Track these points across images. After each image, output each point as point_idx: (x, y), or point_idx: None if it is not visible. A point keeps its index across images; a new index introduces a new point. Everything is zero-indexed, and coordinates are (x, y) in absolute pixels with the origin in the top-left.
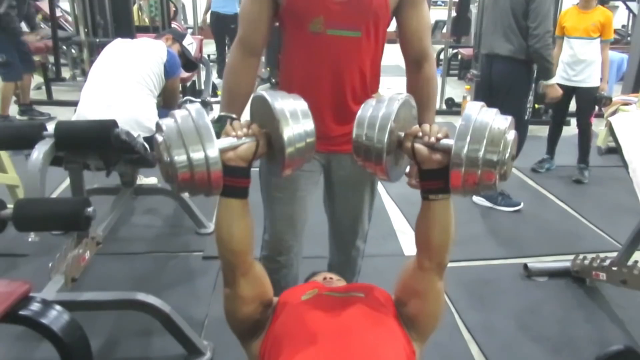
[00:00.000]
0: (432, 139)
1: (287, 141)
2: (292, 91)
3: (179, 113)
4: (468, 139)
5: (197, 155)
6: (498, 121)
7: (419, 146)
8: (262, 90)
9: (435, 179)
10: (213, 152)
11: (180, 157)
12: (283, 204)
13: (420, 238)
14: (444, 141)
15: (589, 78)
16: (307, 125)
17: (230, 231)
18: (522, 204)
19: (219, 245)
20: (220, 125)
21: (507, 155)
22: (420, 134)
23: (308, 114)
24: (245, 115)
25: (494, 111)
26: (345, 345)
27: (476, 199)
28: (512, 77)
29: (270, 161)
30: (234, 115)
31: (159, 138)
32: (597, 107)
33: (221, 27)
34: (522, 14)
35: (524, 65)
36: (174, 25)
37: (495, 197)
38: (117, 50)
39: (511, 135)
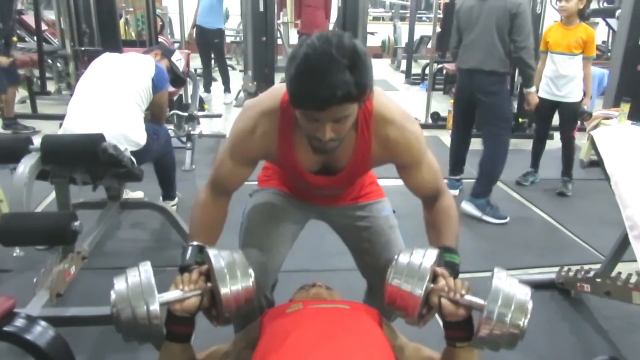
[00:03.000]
0: (457, 296)
1: (224, 298)
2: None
3: (130, 273)
4: (497, 309)
5: (141, 310)
6: (520, 292)
7: (445, 302)
8: (209, 250)
9: (459, 329)
10: (154, 308)
11: (126, 312)
12: (258, 252)
13: None
14: (468, 297)
15: (571, 93)
16: (245, 283)
17: None
18: (508, 219)
19: None
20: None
21: (527, 321)
22: (447, 289)
23: (247, 272)
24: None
25: (516, 281)
26: (331, 353)
27: (465, 206)
28: (495, 89)
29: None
30: (206, 247)
31: (112, 294)
32: (579, 122)
33: (205, 41)
34: (507, 30)
35: (504, 78)
36: (160, 39)
37: (484, 206)
38: (105, 64)
39: (530, 304)
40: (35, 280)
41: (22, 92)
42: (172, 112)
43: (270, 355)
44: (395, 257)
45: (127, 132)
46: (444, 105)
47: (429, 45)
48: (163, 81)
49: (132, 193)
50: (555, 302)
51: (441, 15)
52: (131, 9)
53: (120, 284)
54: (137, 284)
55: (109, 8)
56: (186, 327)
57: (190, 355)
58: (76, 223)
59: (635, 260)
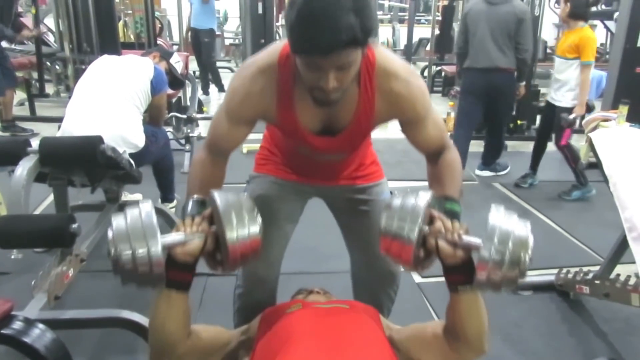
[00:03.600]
0: (455, 236)
1: (230, 242)
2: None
3: (130, 211)
4: (495, 241)
5: (142, 251)
6: (520, 228)
7: (442, 244)
8: (215, 191)
9: (460, 272)
10: (156, 249)
11: (126, 253)
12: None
13: (456, 330)
14: (466, 238)
15: (563, 98)
16: (252, 228)
17: (164, 322)
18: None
19: (150, 333)
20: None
21: (527, 258)
22: (444, 230)
23: (254, 217)
24: None
25: (515, 217)
26: (333, 351)
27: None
28: (508, 84)
29: (218, 257)
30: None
31: (109, 233)
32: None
33: (199, 43)
34: (514, 33)
35: (513, 74)
36: (159, 41)
37: (494, 167)
38: (104, 66)
39: (531, 240)
40: (33, 282)
41: (20, 95)
42: (171, 114)
43: (270, 358)
44: (388, 202)
45: (125, 135)
46: (442, 107)
47: (428, 48)
48: (162, 83)
49: (131, 195)
50: (555, 304)
51: (440, 18)
52: (130, 12)
53: (119, 222)
54: (138, 223)
55: (108, 10)
56: (187, 274)
57: (187, 307)
58: (74, 225)
59: (634, 262)
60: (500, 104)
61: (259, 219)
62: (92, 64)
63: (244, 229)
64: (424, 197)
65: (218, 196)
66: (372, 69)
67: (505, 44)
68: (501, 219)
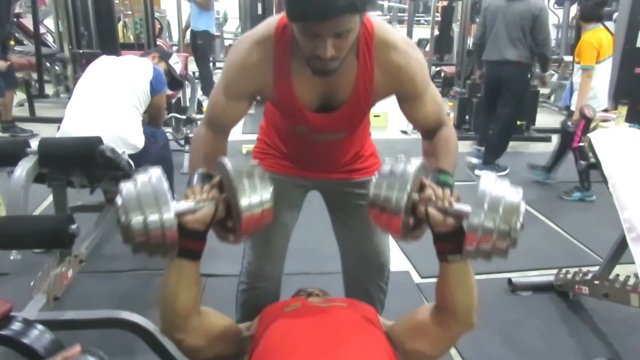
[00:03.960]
0: (446, 203)
1: (243, 208)
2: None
3: (139, 177)
4: (484, 211)
5: (154, 218)
6: (511, 194)
7: (432, 211)
8: (225, 158)
9: (450, 241)
10: (169, 215)
11: (137, 220)
12: (263, 231)
13: (445, 301)
14: (457, 206)
15: (573, 102)
16: (265, 193)
17: (176, 292)
18: (508, 169)
19: (161, 305)
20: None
21: (518, 225)
22: (434, 197)
23: (266, 183)
24: None
25: (507, 183)
26: (333, 351)
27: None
28: (517, 76)
29: (229, 225)
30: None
31: (118, 200)
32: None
33: (195, 44)
34: (529, 28)
35: (526, 67)
36: (159, 42)
37: (493, 168)
38: (103, 67)
39: (523, 206)
40: (32, 283)
41: (20, 95)
42: (170, 115)
43: (269, 357)
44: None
45: (124, 135)
46: None
47: (427, 48)
48: (161, 84)
49: None
50: (554, 304)
51: (439, 19)
52: (129, 12)
53: (128, 188)
54: (149, 189)
55: (107, 11)
56: (198, 243)
57: (198, 277)
58: (73, 226)
59: (633, 263)
60: (510, 95)
61: (271, 186)
62: (90, 65)
63: (256, 194)
64: (414, 164)
65: (229, 162)
66: (370, 41)
67: (519, 39)
68: (492, 185)
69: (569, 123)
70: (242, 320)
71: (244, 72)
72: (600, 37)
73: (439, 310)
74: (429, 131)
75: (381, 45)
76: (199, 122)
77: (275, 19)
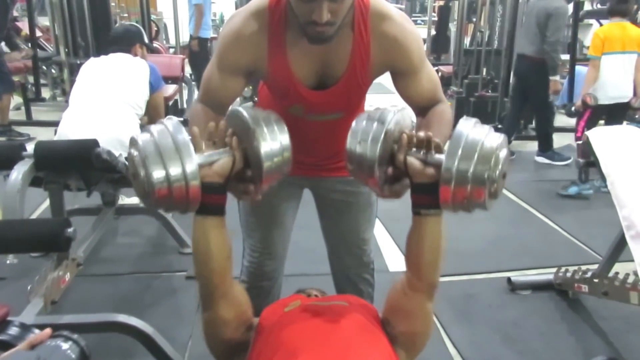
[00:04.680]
0: (425, 152)
1: (265, 155)
2: None
3: (155, 128)
4: (459, 154)
5: (176, 170)
6: (490, 138)
7: (411, 159)
8: (237, 106)
9: (427, 193)
10: (192, 167)
11: (158, 173)
12: (262, 230)
13: (410, 256)
14: (437, 155)
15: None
16: (283, 139)
17: (208, 250)
18: (571, 159)
19: (197, 266)
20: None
21: (497, 172)
22: (414, 145)
23: (284, 128)
24: None
25: (487, 128)
26: (333, 351)
27: (537, 157)
28: (532, 72)
29: (245, 178)
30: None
31: (134, 153)
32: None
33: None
34: (543, 26)
35: (540, 63)
36: (155, 44)
37: (552, 155)
38: (97, 68)
39: (503, 152)
40: (29, 287)
41: (16, 99)
42: (168, 117)
43: (269, 357)
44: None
45: (122, 137)
46: None
47: (424, 48)
48: (159, 80)
49: (128, 199)
50: (554, 303)
51: (436, 18)
52: (126, 15)
53: (145, 139)
54: (169, 140)
55: (104, 14)
56: (219, 197)
57: (226, 234)
58: (70, 230)
59: (632, 260)
60: (528, 90)
61: (287, 136)
62: (82, 67)
63: (276, 140)
64: (392, 110)
65: (244, 110)
66: (366, 12)
67: (536, 35)
68: (469, 128)
69: (572, 108)
70: None
71: (238, 44)
72: (612, 30)
73: (405, 275)
74: (424, 108)
75: (377, 16)
76: None
77: None
